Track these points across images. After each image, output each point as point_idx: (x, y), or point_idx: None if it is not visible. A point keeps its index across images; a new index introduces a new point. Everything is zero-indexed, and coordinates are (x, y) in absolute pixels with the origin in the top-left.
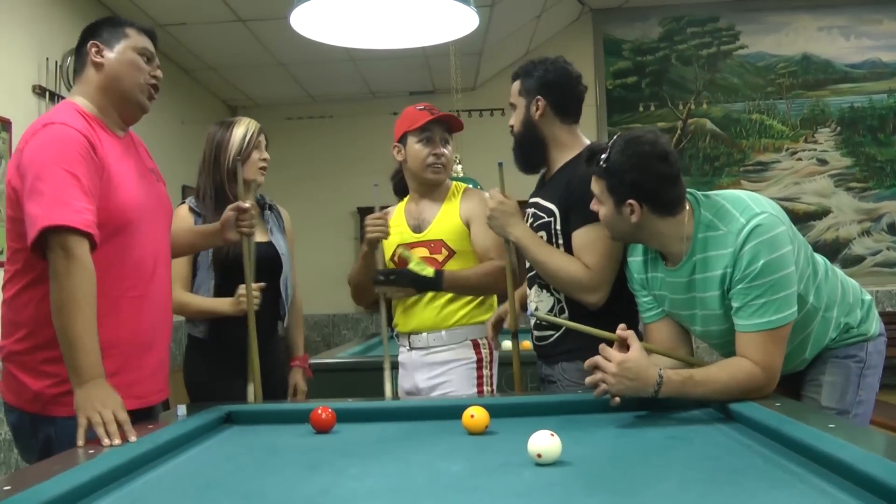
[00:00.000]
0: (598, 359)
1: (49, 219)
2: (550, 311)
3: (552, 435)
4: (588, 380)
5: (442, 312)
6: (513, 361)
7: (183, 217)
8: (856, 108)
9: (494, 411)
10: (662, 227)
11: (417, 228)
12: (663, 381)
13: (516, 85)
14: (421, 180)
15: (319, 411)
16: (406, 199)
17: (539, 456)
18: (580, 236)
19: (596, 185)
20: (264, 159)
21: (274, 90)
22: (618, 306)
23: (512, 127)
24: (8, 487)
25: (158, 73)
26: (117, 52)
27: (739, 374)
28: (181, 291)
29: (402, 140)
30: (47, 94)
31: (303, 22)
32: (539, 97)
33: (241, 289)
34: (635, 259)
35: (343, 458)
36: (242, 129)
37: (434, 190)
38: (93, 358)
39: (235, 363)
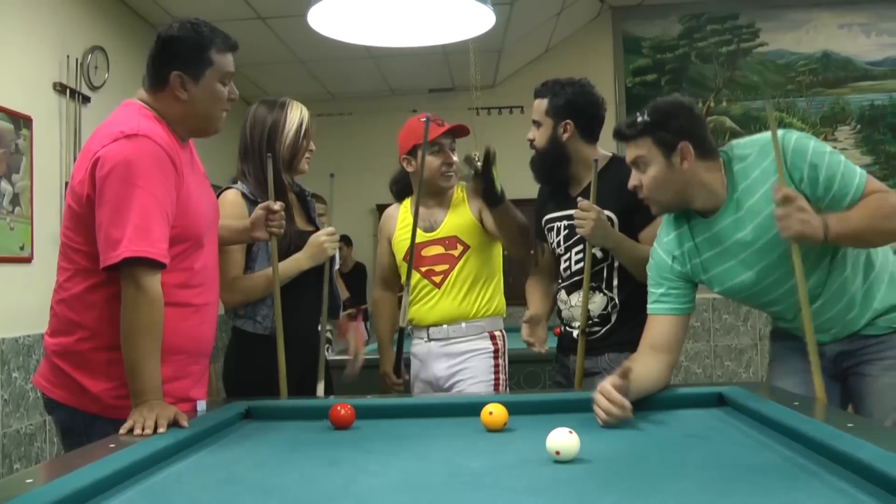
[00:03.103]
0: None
1: (130, 249)
2: (604, 309)
3: (570, 432)
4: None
5: (460, 306)
6: (577, 358)
7: (233, 204)
8: (876, 105)
9: (513, 408)
10: (708, 176)
11: (429, 228)
12: (827, 222)
13: (542, 103)
14: (434, 188)
15: (338, 407)
16: (407, 201)
17: (557, 453)
18: (652, 231)
19: (639, 149)
20: (311, 150)
21: (293, 87)
22: None
23: (531, 141)
24: (30, 480)
25: (235, 94)
26: (202, 87)
27: (883, 200)
28: (248, 275)
29: (412, 152)
30: (68, 91)
31: (321, 20)
32: (568, 121)
33: (319, 235)
34: (667, 239)
35: (362, 454)
36: (297, 116)
37: (443, 194)
38: (153, 383)
39: (296, 357)
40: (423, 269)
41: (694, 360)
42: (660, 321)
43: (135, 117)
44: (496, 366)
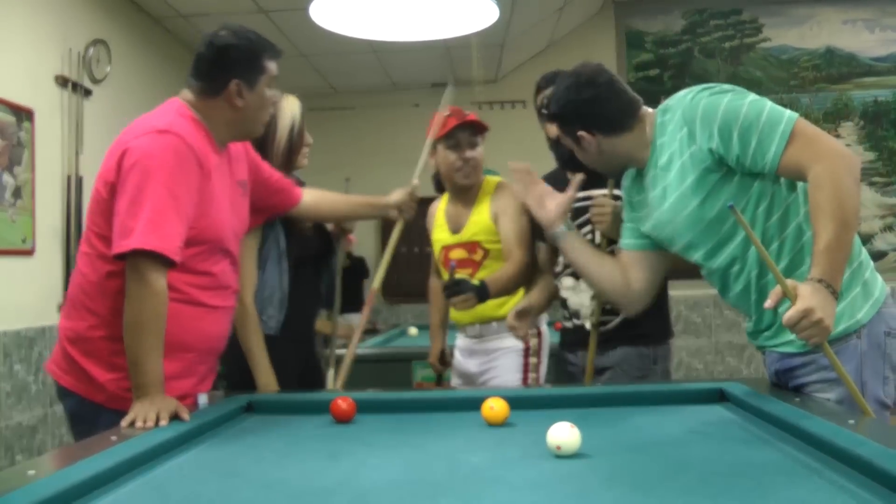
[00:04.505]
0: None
1: (141, 241)
2: None
3: (572, 427)
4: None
5: (488, 307)
6: (589, 351)
7: None
8: (879, 101)
9: (514, 403)
10: (623, 146)
11: (456, 230)
12: (822, 279)
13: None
14: (454, 186)
15: (340, 401)
16: (446, 196)
17: (558, 448)
18: None
19: (559, 131)
20: (308, 144)
21: (295, 81)
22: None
23: (558, 140)
24: (32, 472)
25: (276, 97)
26: (256, 94)
27: (824, 182)
28: (254, 316)
29: (434, 146)
30: (70, 84)
31: (323, 14)
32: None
33: None
34: (626, 185)
35: (363, 448)
36: (288, 112)
37: (468, 191)
38: (155, 377)
39: (300, 355)
40: None
41: (695, 356)
42: (626, 255)
43: (171, 114)
44: (525, 363)
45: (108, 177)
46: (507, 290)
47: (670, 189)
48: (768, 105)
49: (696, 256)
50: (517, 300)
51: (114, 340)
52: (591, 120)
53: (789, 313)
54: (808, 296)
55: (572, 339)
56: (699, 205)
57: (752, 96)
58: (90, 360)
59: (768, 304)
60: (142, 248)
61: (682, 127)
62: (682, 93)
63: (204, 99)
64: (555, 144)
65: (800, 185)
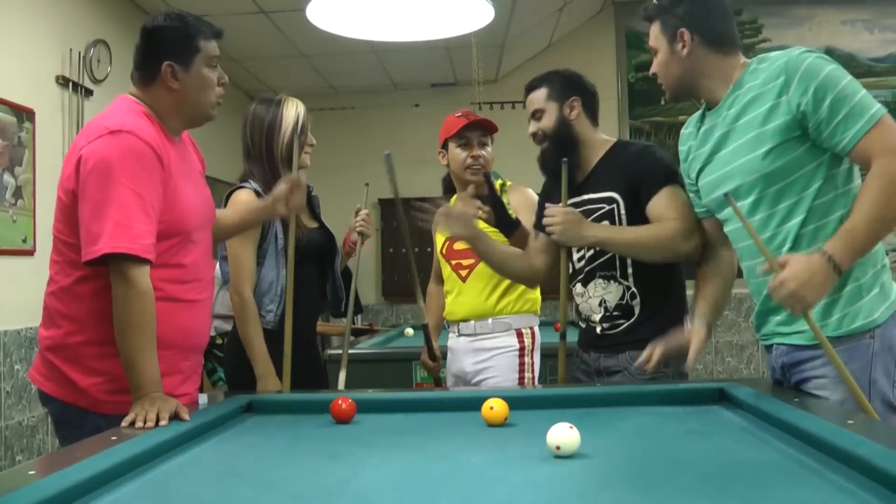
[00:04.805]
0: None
1: (110, 245)
2: (621, 299)
3: (571, 427)
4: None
5: (488, 301)
6: (559, 354)
7: (246, 202)
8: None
9: (514, 403)
10: (712, 66)
11: None
12: (831, 256)
13: (541, 92)
14: (463, 181)
15: (340, 401)
16: (454, 198)
17: (558, 448)
18: (658, 200)
19: (652, 32)
20: (311, 144)
21: (296, 81)
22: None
23: (536, 133)
24: (32, 472)
25: (224, 78)
26: (193, 74)
27: (885, 173)
28: (253, 307)
29: (445, 146)
30: (71, 84)
31: (319, 14)
32: (574, 97)
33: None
34: (687, 132)
35: (363, 448)
36: (292, 111)
37: (478, 190)
38: (151, 376)
39: (294, 352)
40: (453, 263)
41: None
42: (705, 223)
43: (122, 113)
44: (521, 364)
45: (67, 184)
46: (508, 265)
47: (741, 130)
48: (864, 90)
49: (741, 203)
50: (510, 300)
51: (92, 345)
52: (700, 22)
53: (771, 281)
54: (791, 267)
55: (587, 339)
56: (763, 154)
57: (851, 77)
58: (71, 367)
59: (760, 270)
60: (111, 251)
61: (781, 75)
62: (786, 49)
63: (145, 88)
64: (544, 152)
65: (854, 183)
